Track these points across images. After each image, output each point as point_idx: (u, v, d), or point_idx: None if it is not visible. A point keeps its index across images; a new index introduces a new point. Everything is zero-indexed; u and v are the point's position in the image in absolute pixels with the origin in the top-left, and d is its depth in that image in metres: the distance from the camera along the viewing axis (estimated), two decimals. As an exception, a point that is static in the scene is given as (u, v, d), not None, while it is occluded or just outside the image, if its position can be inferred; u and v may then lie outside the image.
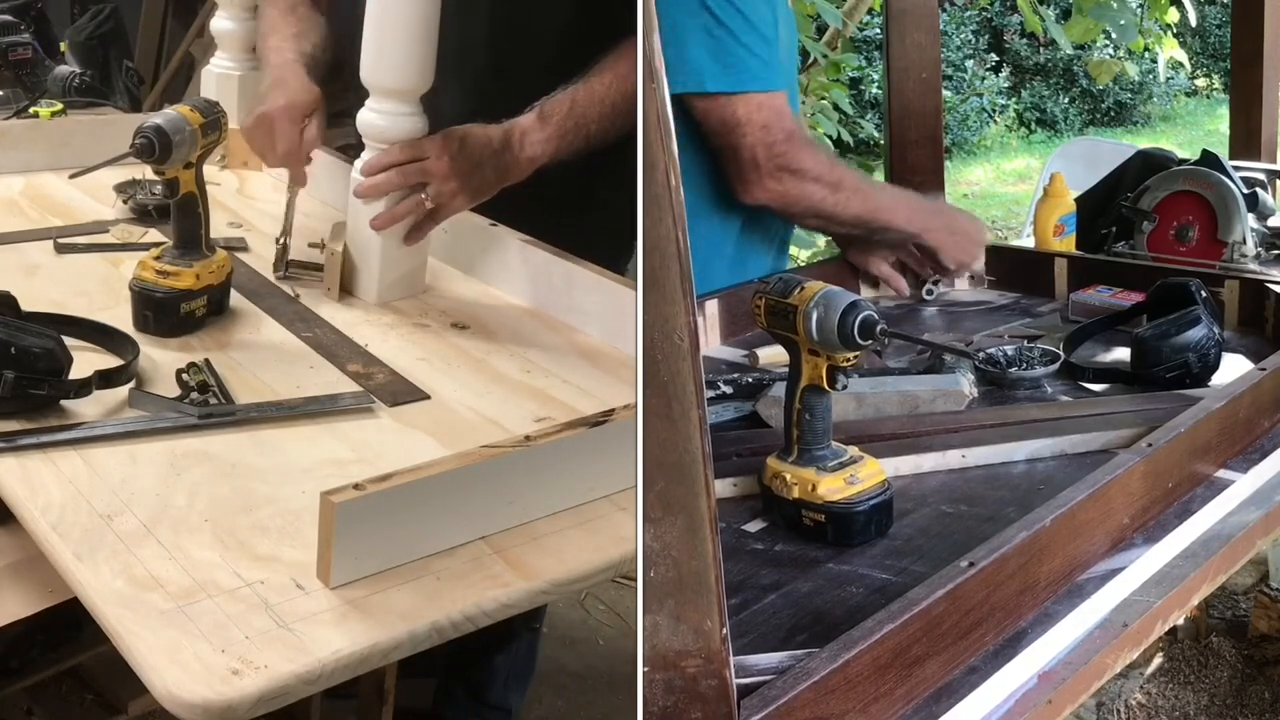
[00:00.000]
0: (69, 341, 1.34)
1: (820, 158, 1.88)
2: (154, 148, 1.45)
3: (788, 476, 1.30)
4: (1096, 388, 1.70)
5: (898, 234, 2.01)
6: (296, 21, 1.84)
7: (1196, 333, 1.66)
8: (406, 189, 1.60)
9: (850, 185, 1.90)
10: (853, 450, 1.33)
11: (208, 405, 1.32)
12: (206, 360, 1.43)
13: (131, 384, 1.34)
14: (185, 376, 1.36)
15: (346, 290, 1.65)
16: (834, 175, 1.88)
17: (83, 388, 1.29)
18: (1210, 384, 1.65)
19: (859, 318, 1.24)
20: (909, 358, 1.76)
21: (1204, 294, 1.74)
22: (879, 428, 1.53)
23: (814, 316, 1.26)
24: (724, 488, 1.40)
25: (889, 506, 1.31)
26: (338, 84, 1.75)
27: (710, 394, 1.62)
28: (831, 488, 1.28)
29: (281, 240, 1.71)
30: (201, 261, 1.52)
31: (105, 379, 1.31)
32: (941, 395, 1.59)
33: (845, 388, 1.30)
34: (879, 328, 1.24)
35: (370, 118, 1.61)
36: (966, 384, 1.62)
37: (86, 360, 1.36)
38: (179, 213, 1.53)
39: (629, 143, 0.81)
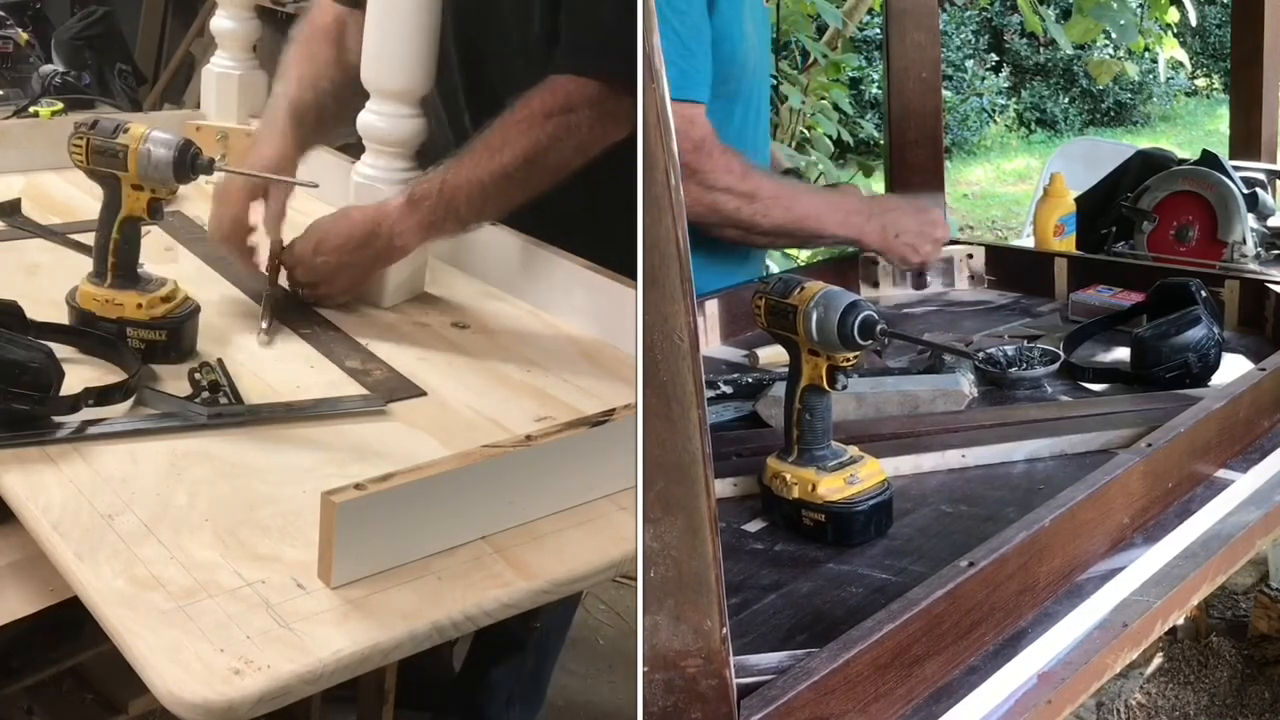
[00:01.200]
0: (74, 354, 1.33)
1: (732, 167, 1.83)
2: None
3: (788, 476, 1.30)
4: (1096, 388, 1.70)
5: (831, 239, 1.98)
6: (310, 63, 1.81)
7: (1196, 333, 1.66)
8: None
9: (768, 194, 1.86)
10: (853, 450, 1.33)
11: (218, 405, 1.32)
12: (220, 360, 1.43)
13: (129, 401, 1.32)
14: (197, 375, 1.36)
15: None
16: (747, 185, 1.84)
17: (73, 407, 1.26)
18: (1210, 384, 1.65)
19: (859, 318, 1.24)
20: (909, 358, 1.76)
21: (1204, 294, 1.74)
22: (879, 428, 1.53)
23: (814, 316, 1.26)
24: (724, 488, 1.40)
25: (889, 506, 1.31)
26: (343, 119, 1.74)
27: (710, 394, 1.62)
28: (831, 487, 1.28)
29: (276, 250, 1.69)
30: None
31: (99, 397, 1.28)
32: (941, 395, 1.59)
33: (845, 388, 1.30)
34: (879, 328, 1.25)
35: (370, 119, 1.61)
36: (966, 384, 1.63)
37: (92, 374, 1.36)
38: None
39: (629, 146, 0.81)
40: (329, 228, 1.60)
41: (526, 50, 1.72)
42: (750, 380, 1.65)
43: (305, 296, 1.62)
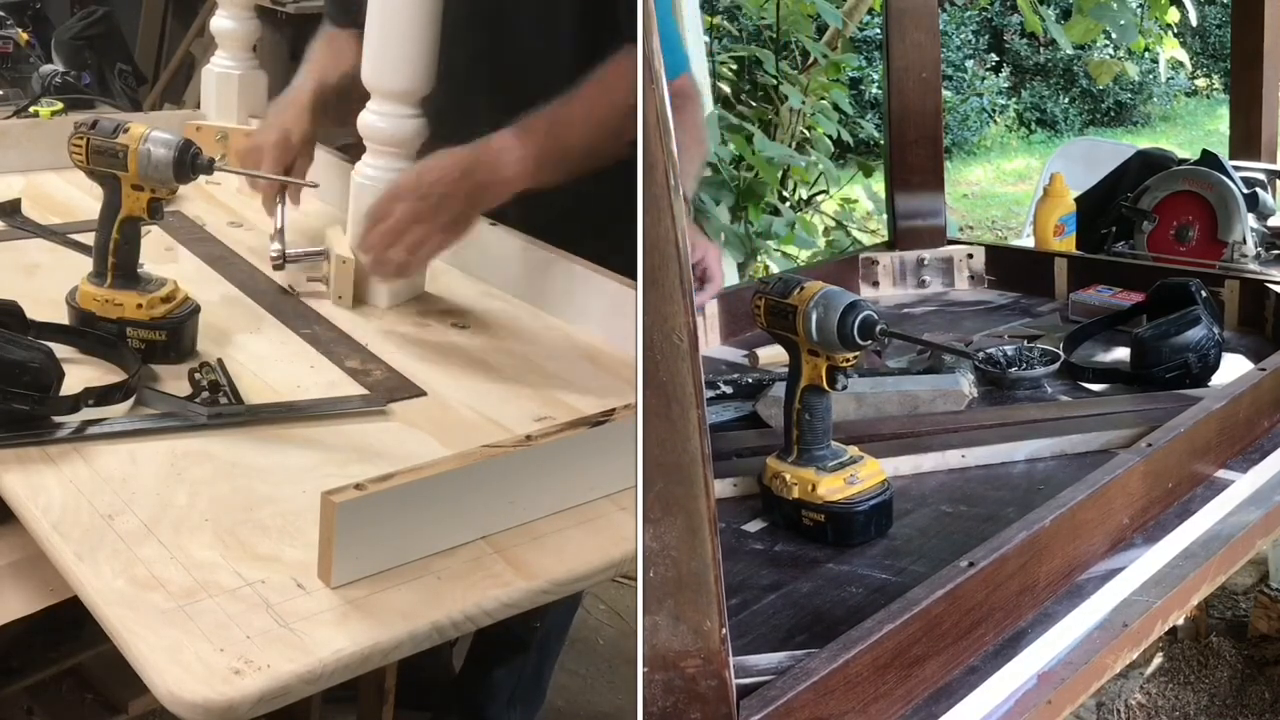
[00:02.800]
0: (74, 354, 1.32)
1: None
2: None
3: (787, 476, 1.30)
4: (1096, 388, 1.70)
5: None
6: (331, 52, 1.83)
7: (1196, 333, 1.66)
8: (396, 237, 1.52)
9: None
10: (852, 450, 1.33)
11: (217, 405, 1.32)
12: (220, 360, 1.43)
13: (129, 401, 1.32)
14: (197, 375, 1.36)
15: (356, 297, 1.64)
16: None
17: (73, 407, 1.25)
18: (1210, 384, 1.65)
19: (859, 318, 1.24)
20: (909, 358, 1.76)
21: (1204, 294, 1.74)
22: (879, 428, 1.53)
23: (814, 317, 1.26)
24: (724, 488, 1.40)
25: (889, 506, 1.31)
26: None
27: (710, 394, 1.62)
28: (831, 488, 1.28)
29: (279, 250, 1.69)
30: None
31: (99, 397, 1.27)
32: (941, 395, 1.59)
33: (845, 388, 1.30)
34: (879, 328, 1.25)
35: (371, 120, 1.61)
36: (966, 384, 1.63)
37: (92, 374, 1.35)
38: None
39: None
40: (427, 163, 1.52)
41: (551, 54, 1.71)
42: (750, 380, 1.65)
43: (408, 245, 1.50)
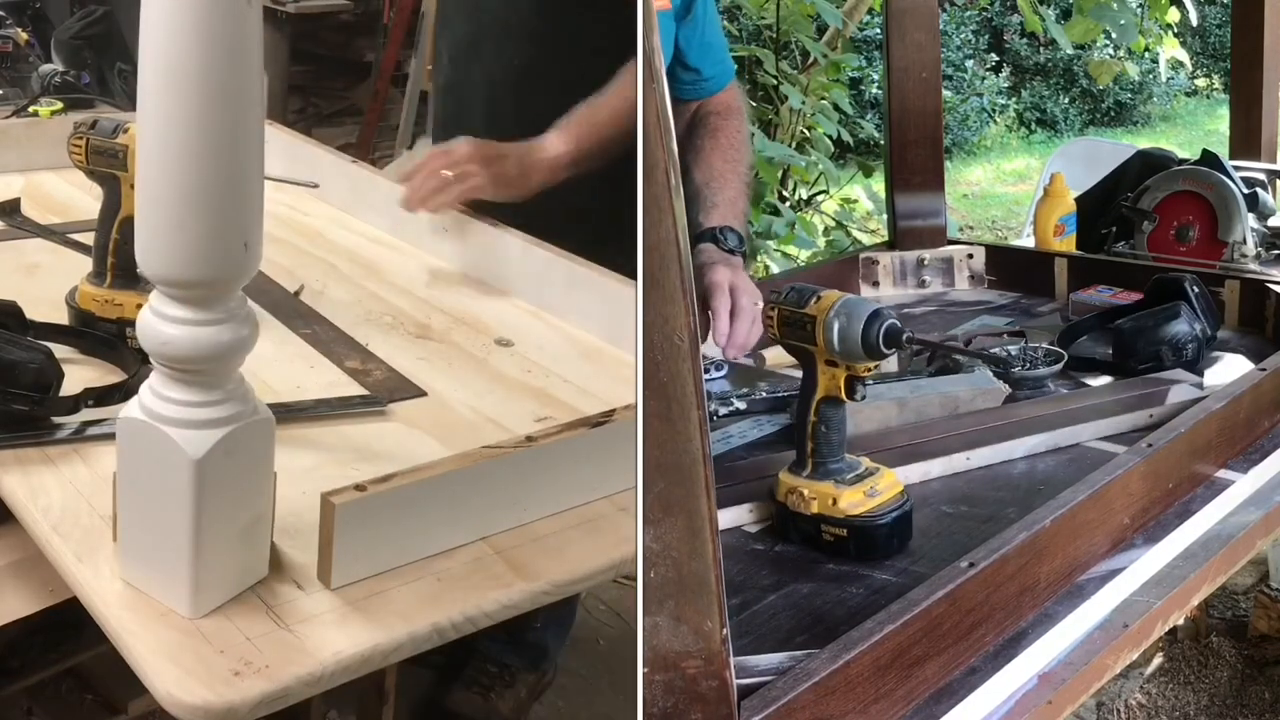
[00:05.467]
0: (74, 355, 1.32)
1: None
2: None
3: (805, 491, 1.27)
4: (1095, 383, 1.70)
5: None
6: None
7: (1175, 326, 1.66)
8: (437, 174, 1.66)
9: None
10: (866, 461, 1.31)
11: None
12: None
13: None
14: (197, 376, 1.36)
15: None
16: None
17: (73, 407, 1.25)
18: (1206, 381, 1.65)
19: (884, 326, 1.21)
20: (903, 357, 1.76)
21: (1196, 290, 1.74)
22: (885, 441, 1.50)
23: (835, 326, 1.23)
24: (739, 514, 1.36)
25: (909, 518, 1.28)
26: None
27: (724, 410, 1.60)
28: (853, 501, 1.25)
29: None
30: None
31: (99, 397, 1.27)
32: (981, 394, 1.58)
33: (864, 397, 1.27)
34: (905, 335, 1.22)
35: None
36: (1000, 382, 1.62)
37: (91, 374, 1.35)
38: None
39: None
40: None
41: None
42: (766, 394, 1.63)
43: (457, 174, 1.65)
